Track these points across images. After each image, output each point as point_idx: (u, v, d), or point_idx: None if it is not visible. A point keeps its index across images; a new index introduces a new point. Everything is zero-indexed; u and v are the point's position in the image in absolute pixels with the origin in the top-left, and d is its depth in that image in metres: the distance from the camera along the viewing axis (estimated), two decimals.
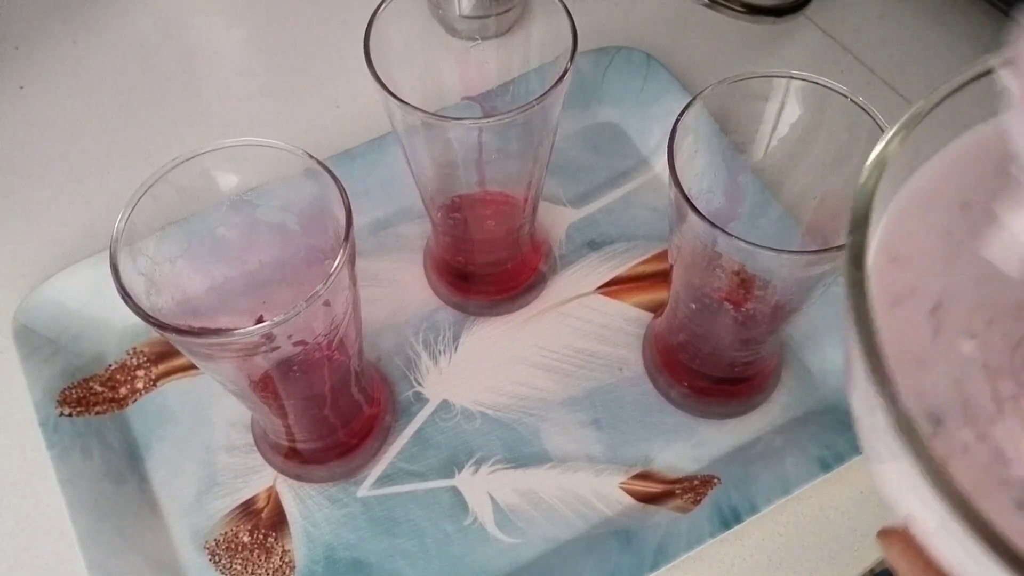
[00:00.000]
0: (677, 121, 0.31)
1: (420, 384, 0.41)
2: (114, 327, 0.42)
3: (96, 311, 0.41)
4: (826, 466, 0.37)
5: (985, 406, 0.19)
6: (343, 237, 0.28)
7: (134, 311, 0.27)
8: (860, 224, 0.20)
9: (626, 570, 0.35)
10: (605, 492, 0.38)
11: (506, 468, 0.39)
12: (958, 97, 0.22)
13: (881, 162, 0.21)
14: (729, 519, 0.36)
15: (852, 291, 0.18)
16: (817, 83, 0.31)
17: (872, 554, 0.37)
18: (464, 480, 0.39)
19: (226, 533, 0.38)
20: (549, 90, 0.32)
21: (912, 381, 0.19)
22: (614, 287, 0.44)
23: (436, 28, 0.39)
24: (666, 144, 0.30)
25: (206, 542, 0.38)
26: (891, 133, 0.21)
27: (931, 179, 0.22)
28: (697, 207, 0.29)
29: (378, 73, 0.31)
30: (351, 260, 0.29)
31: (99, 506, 0.37)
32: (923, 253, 0.21)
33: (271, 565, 0.37)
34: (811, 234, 0.34)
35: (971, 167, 0.22)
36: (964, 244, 0.22)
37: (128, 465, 0.39)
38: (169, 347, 0.41)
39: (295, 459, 0.39)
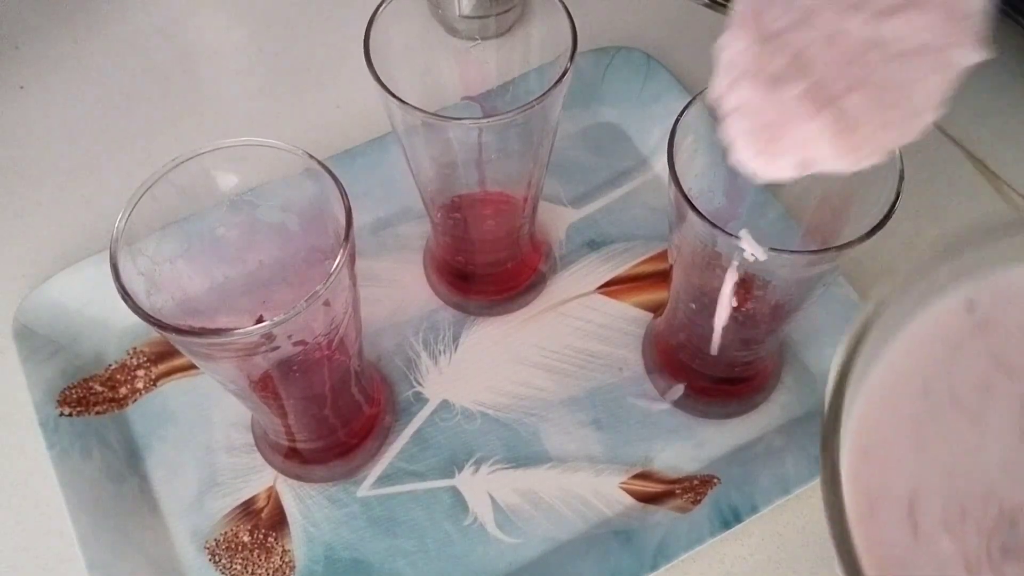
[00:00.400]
0: (677, 121, 0.30)
1: (420, 384, 0.41)
2: (114, 327, 0.42)
3: (96, 311, 0.41)
4: None
5: None
6: (343, 237, 0.28)
7: (134, 311, 0.27)
8: (830, 439, 0.20)
9: (626, 570, 0.35)
10: (605, 492, 0.38)
11: (506, 468, 0.39)
12: (910, 288, 0.22)
13: (843, 373, 0.21)
14: (729, 519, 0.36)
15: (831, 513, 0.18)
16: None
17: None
18: (464, 480, 0.39)
19: (226, 533, 0.38)
20: (549, 90, 0.32)
21: None
22: (614, 287, 0.44)
23: (436, 28, 0.39)
24: (666, 144, 0.30)
25: (206, 542, 0.38)
26: (849, 342, 0.21)
27: (892, 365, 0.22)
28: (697, 207, 0.29)
29: (378, 73, 0.31)
30: (351, 260, 0.29)
31: (99, 506, 0.37)
32: (892, 445, 0.21)
33: (271, 565, 0.37)
34: (811, 234, 0.34)
35: (927, 349, 0.23)
36: (928, 431, 0.22)
37: (128, 465, 0.39)
38: (169, 347, 0.41)
39: (295, 459, 0.39)
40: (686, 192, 0.29)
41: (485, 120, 0.32)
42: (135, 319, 0.27)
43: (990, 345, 0.23)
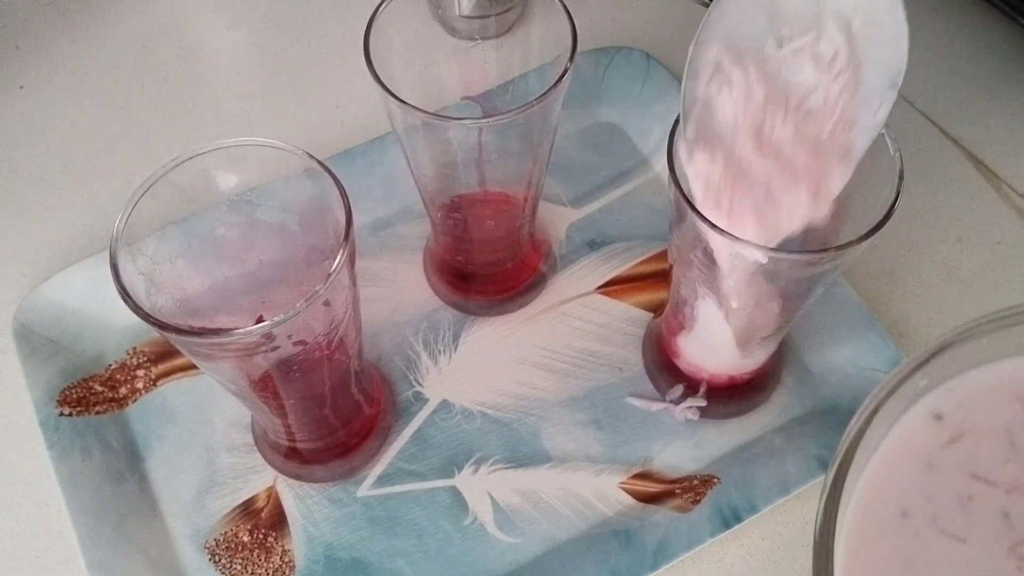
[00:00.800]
0: (677, 121, 0.31)
1: (420, 384, 0.41)
2: (114, 327, 0.42)
3: (96, 311, 0.41)
4: (826, 466, 0.37)
5: None
6: (343, 237, 0.28)
7: (134, 311, 0.27)
8: None
9: (626, 570, 0.35)
10: (605, 492, 0.38)
11: (506, 468, 0.39)
12: (881, 412, 0.22)
13: (829, 514, 0.21)
14: (729, 519, 0.36)
15: None
16: None
17: None
18: (464, 480, 0.39)
19: (226, 533, 0.38)
20: (549, 90, 0.32)
21: None
22: (614, 287, 0.44)
23: (436, 28, 0.39)
24: (666, 144, 0.30)
25: (206, 542, 0.38)
26: (831, 477, 0.21)
27: (869, 489, 0.22)
28: (696, 207, 0.29)
29: (378, 73, 0.31)
30: (351, 260, 0.29)
31: (99, 506, 0.37)
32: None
33: (271, 565, 0.37)
34: (811, 234, 0.34)
35: (900, 468, 0.22)
36: (915, 558, 0.21)
37: (128, 465, 0.39)
38: (169, 347, 0.41)
39: (295, 459, 0.39)
40: (686, 192, 0.29)
41: (485, 120, 0.32)
42: (135, 319, 0.27)
43: (962, 456, 0.23)
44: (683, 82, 0.30)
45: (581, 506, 0.38)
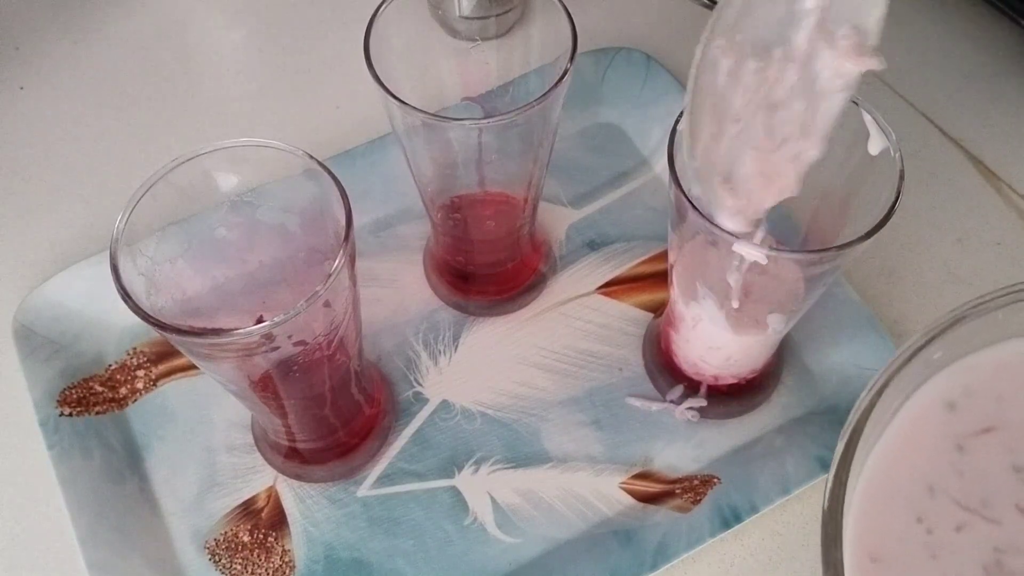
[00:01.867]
0: (677, 121, 0.31)
1: (420, 384, 0.41)
2: (114, 327, 0.42)
3: (96, 311, 0.41)
4: (826, 466, 0.37)
5: None
6: (343, 237, 0.28)
7: (134, 311, 0.27)
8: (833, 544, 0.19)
9: (626, 570, 0.35)
10: (605, 492, 0.38)
11: (506, 468, 0.39)
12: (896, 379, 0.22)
13: (841, 482, 0.20)
14: (729, 519, 0.36)
15: None
16: None
17: None
18: (464, 480, 0.39)
19: (226, 533, 0.38)
20: (549, 91, 0.32)
21: None
22: (614, 287, 0.44)
23: (436, 29, 0.39)
24: (666, 144, 0.30)
25: (206, 542, 0.38)
26: (844, 443, 0.21)
27: (888, 462, 0.22)
28: (697, 207, 0.29)
29: (378, 73, 0.31)
30: (351, 260, 0.29)
31: (99, 506, 0.37)
32: (902, 549, 0.21)
33: (271, 565, 0.37)
34: (811, 234, 0.34)
35: (924, 443, 0.22)
36: (941, 535, 0.21)
37: (128, 465, 0.39)
38: (169, 347, 0.41)
39: (295, 459, 0.39)
40: (686, 192, 0.29)
41: (485, 121, 0.32)
42: (135, 319, 0.27)
43: (999, 447, 0.21)
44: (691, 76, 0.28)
45: (581, 506, 0.38)
